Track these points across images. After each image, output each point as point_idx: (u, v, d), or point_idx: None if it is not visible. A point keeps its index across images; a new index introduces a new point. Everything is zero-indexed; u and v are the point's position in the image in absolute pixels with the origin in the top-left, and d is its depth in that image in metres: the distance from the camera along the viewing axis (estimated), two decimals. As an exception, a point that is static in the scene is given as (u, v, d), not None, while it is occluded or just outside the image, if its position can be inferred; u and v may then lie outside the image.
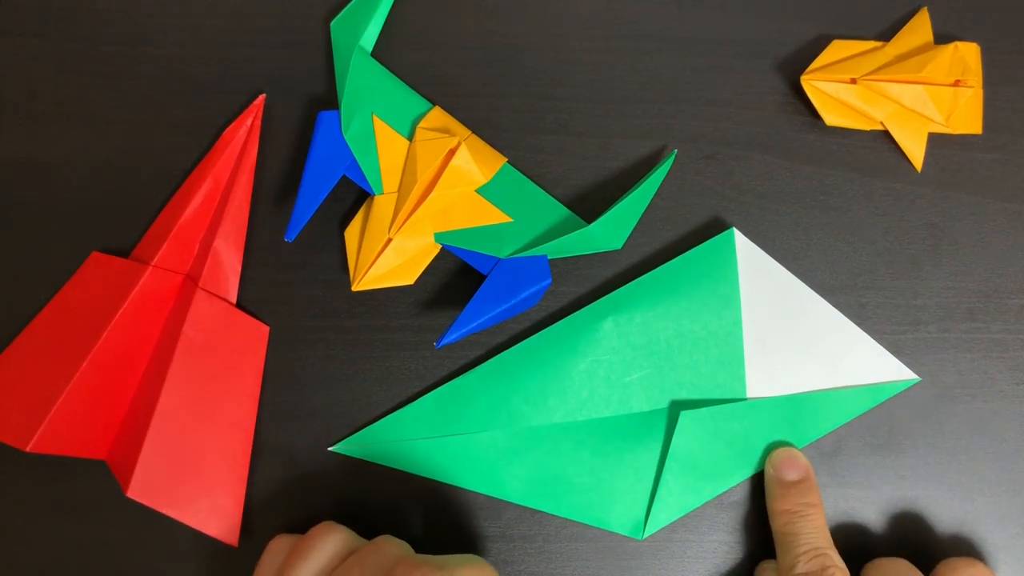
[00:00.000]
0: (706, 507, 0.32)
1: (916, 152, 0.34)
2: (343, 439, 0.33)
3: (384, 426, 0.33)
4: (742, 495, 0.33)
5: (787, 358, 0.33)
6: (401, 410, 0.33)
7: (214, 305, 0.32)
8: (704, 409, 0.32)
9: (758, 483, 0.32)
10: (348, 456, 0.32)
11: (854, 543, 0.32)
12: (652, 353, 0.33)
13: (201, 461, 0.31)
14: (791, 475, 0.31)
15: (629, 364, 0.32)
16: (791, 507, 0.31)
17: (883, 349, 0.33)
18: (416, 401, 0.33)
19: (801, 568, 0.29)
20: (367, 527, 0.30)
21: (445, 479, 0.32)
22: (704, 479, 0.32)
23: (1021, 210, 0.34)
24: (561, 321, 0.33)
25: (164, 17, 0.35)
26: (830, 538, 0.30)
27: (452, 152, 0.32)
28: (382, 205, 0.32)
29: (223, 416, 0.32)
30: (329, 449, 0.32)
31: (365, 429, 0.33)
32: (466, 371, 0.33)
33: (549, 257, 0.32)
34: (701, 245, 0.33)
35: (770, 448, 0.32)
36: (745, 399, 0.32)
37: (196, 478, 0.31)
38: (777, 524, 0.31)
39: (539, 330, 0.33)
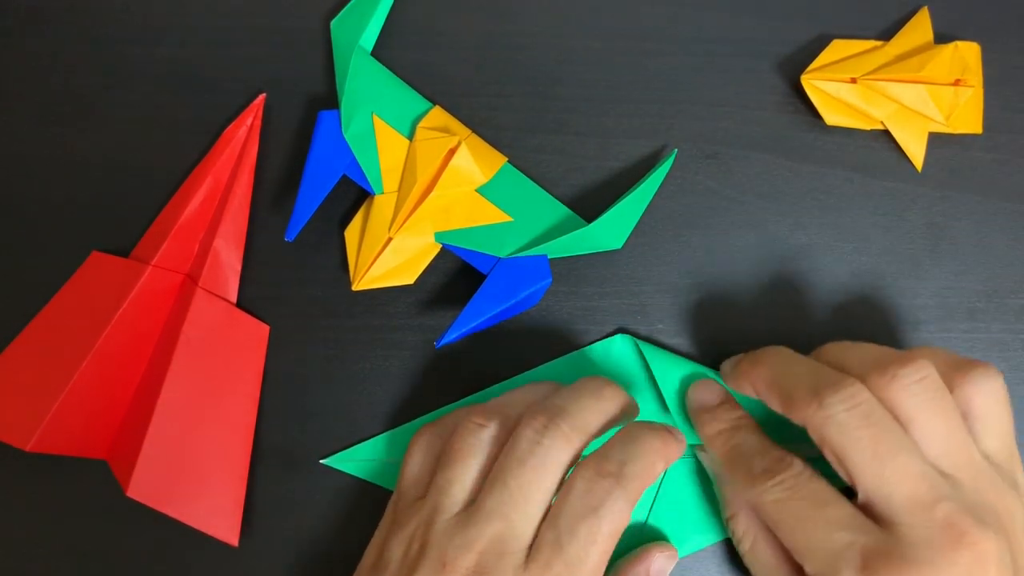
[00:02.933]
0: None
1: (916, 152, 0.34)
2: (342, 441, 0.33)
3: (377, 444, 0.32)
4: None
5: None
6: (394, 430, 0.32)
7: (214, 305, 0.32)
8: (693, 460, 0.32)
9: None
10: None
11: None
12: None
13: (201, 460, 0.31)
14: (710, 399, 0.30)
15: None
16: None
17: None
18: (410, 423, 0.32)
19: (759, 466, 0.27)
20: (367, 526, 0.30)
21: None
22: (692, 530, 0.32)
23: (1021, 210, 0.34)
24: (563, 356, 0.33)
25: (164, 17, 0.35)
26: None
27: (452, 151, 0.32)
28: (382, 205, 0.32)
29: (223, 415, 0.32)
30: (321, 462, 0.32)
31: (358, 445, 0.32)
32: (466, 370, 0.33)
33: (549, 257, 0.32)
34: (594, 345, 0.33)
35: None
36: None
37: (196, 477, 0.31)
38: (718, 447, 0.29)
39: (538, 331, 0.33)
